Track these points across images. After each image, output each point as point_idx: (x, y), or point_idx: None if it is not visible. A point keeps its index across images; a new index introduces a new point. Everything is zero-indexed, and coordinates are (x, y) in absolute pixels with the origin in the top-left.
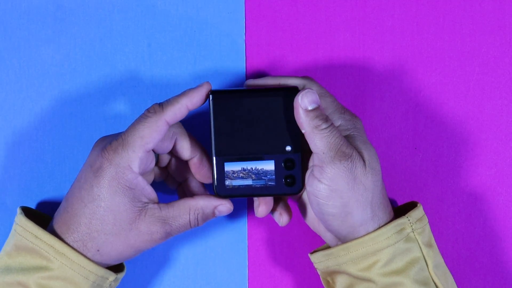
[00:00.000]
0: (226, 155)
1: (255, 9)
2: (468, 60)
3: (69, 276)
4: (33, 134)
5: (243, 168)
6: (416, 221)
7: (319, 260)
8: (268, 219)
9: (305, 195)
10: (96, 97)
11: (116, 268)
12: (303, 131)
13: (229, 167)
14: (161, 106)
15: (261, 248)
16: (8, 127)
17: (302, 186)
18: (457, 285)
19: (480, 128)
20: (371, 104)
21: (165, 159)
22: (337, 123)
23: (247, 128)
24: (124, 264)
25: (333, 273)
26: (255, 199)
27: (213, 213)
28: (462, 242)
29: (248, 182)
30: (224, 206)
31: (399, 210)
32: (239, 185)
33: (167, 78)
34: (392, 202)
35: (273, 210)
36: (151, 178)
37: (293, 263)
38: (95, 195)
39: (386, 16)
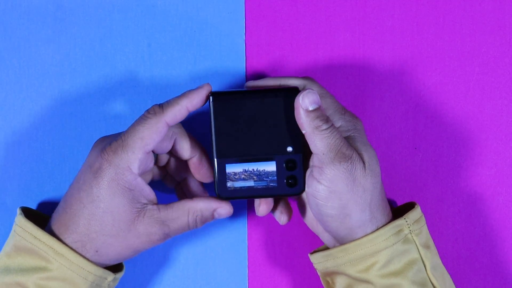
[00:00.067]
0: (227, 157)
1: (255, 9)
2: (468, 60)
3: (68, 276)
4: (33, 134)
5: (245, 169)
6: (413, 222)
7: (318, 261)
8: (268, 220)
9: (304, 195)
10: (96, 97)
11: (115, 267)
12: (303, 132)
13: (231, 168)
14: (161, 107)
15: (261, 248)
16: (8, 127)
17: (304, 186)
18: (457, 285)
19: (480, 128)
20: (371, 104)
21: (164, 158)
22: (338, 124)
23: (248, 129)
24: (123, 263)
25: (332, 273)
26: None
27: (212, 215)
28: (462, 242)
29: (250, 183)
30: (224, 209)
31: (397, 211)
32: (241, 187)
33: (167, 78)
34: (392, 202)
35: (273, 209)
36: (149, 177)
37: (293, 263)
38: (94, 196)
39: (386, 16)
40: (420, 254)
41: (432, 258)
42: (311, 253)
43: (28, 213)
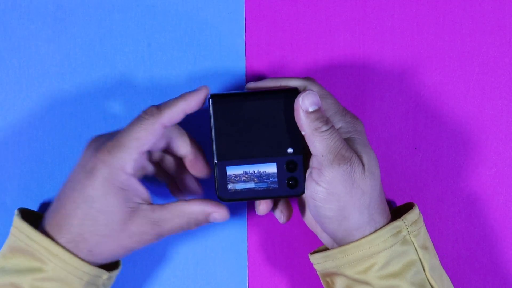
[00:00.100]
0: (228, 159)
1: (255, 9)
2: (468, 60)
3: (63, 277)
4: (33, 134)
5: (245, 171)
6: (411, 223)
7: (318, 261)
8: (268, 220)
9: (304, 195)
10: (96, 97)
11: (111, 265)
12: (303, 133)
13: (231, 170)
14: (158, 108)
15: (261, 248)
16: (8, 127)
17: (304, 188)
18: (457, 285)
19: (480, 128)
20: (371, 104)
21: (158, 154)
22: (338, 125)
23: (248, 131)
24: (120, 261)
25: (331, 274)
26: None
27: (207, 219)
28: (462, 242)
29: (251, 185)
30: (219, 214)
31: (396, 211)
32: (242, 189)
33: (167, 78)
34: (392, 202)
35: (274, 208)
36: (142, 173)
37: (293, 263)
38: (87, 196)
39: (386, 16)
40: (419, 255)
41: (430, 259)
42: (311, 254)
43: (27, 214)
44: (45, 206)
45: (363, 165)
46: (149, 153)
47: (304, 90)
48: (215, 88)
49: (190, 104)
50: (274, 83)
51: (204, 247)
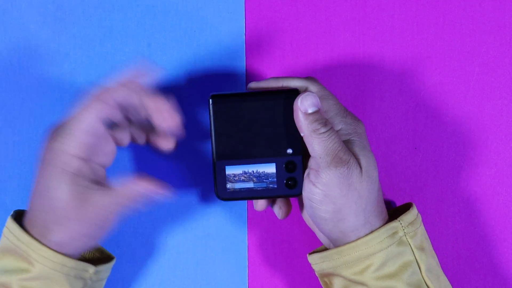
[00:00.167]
0: (227, 159)
1: (255, 9)
2: (468, 60)
3: (49, 275)
4: (33, 134)
5: (244, 171)
6: (408, 224)
7: (316, 262)
8: (268, 220)
9: None
10: None
11: (100, 259)
12: (302, 134)
13: (230, 170)
14: (101, 88)
15: (261, 248)
16: (8, 127)
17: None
18: (457, 285)
19: (480, 128)
20: (371, 104)
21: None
22: (338, 127)
23: (247, 131)
24: (112, 255)
25: (329, 275)
26: None
27: (153, 199)
28: (462, 242)
29: (250, 185)
30: (160, 195)
31: (395, 212)
32: (241, 188)
33: (166, 78)
34: (392, 203)
35: (272, 204)
36: (109, 149)
37: (293, 263)
38: (43, 186)
39: (386, 16)
40: (415, 256)
41: (427, 260)
42: (309, 254)
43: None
44: None
45: (360, 168)
46: (114, 124)
47: (304, 91)
48: (215, 88)
49: (151, 107)
50: (276, 83)
51: (204, 247)
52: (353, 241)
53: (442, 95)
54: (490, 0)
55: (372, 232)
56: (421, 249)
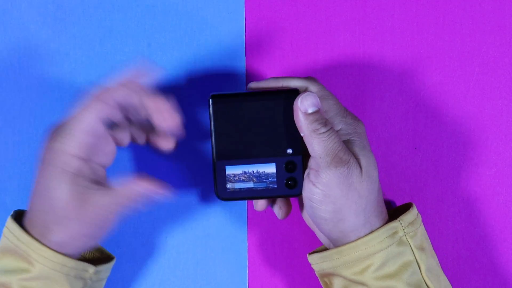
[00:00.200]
0: (227, 159)
1: (255, 9)
2: (468, 60)
3: (49, 275)
4: (33, 134)
5: (244, 171)
6: (408, 224)
7: (316, 262)
8: (268, 220)
9: None
10: None
11: (100, 259)
12: (302, 134)
13: (230, 170)
14: (101, 88)
15: (261, 248)
16: (8, 127)
17: None
18: (457, 285)
19: (480, 128)
20: (371, 104)
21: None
22: (338, 127)
23: (247, 131)
24: (112, 255)
25: (329, 275)
26: None
27: (153, 199)
28: (462, 242)
29: (250, 185)
30: (159, 195)
31: (395, 212)
32: (241, 188)
33: (166, 78)
34: (392, 202)
35: (272, 203)
36: (109, 149)
37: (293, 263)
38: (43, 186)
39: (386, 16)
40: (415, 256)
41: (427, 260)
42: (309, 254)
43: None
44: None
45: (360, 168)
46: (114, 124)
47: (304, 91)
48: (215, 88)
49: (151, 106)
50: (276, 83)
51: (204, 247)
52: (353, 241)
53: (442, 95)
54: (490, 0)
55: (372, 232)
56: (421, 249)
